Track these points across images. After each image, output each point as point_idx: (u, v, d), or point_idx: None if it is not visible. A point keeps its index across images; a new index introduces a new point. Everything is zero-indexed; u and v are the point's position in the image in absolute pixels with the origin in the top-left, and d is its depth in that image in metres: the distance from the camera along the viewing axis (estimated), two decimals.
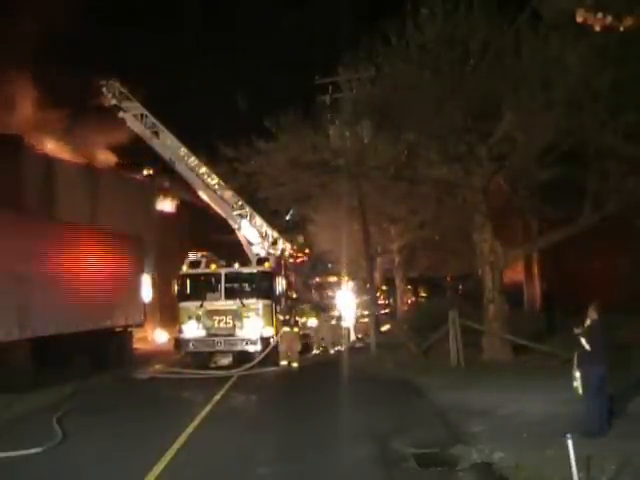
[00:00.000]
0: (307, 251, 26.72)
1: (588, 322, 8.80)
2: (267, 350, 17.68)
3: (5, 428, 10.59)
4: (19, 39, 23.96)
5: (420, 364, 16.53)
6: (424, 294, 48.52)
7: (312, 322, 21.82)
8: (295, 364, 17.75)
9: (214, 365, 18.43)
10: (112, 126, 25.76)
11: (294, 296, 22.01)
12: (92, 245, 17.79)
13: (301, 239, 28.18)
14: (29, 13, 24.63)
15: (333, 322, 22.98)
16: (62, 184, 24.54)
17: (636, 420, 8.95)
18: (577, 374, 8.62)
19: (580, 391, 8.66)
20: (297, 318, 20.04)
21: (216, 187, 23.23)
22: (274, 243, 23.13)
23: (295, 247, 24.60)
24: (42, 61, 25.07)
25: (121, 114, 23.82)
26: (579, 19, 8.09)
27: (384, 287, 34.05)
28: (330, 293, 28.08)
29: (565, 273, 25.84)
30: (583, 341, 8.63)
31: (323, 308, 24.05)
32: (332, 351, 21.22)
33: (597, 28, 8.11)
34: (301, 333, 19.51)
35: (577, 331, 8.74)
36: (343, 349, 21.55)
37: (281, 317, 19.11)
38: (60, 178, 24.69)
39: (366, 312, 25.08)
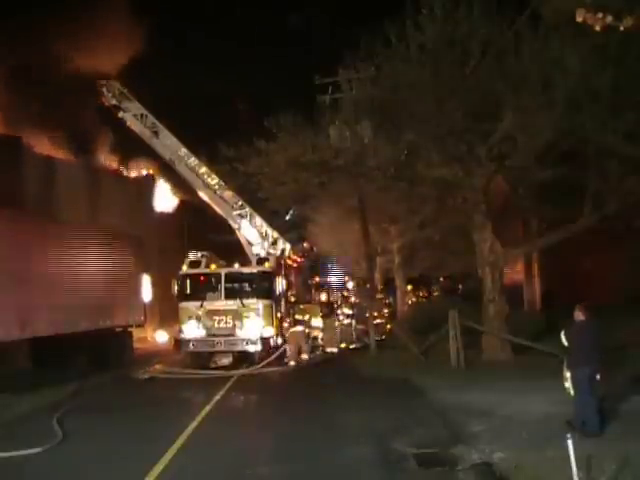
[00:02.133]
0: (307, 254, 26.70)
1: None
2: (278, 353, 17.99)
3: (5, 428, 10.59)
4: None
5: (420, 364, 16.55)
6: (421, 294, 48.34)
7: (315, 322, 21.85)
8: (305, 356, 18.23)
9: (214, 365, 18.42)
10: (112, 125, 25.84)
11: (293, 298, 22.00)
12: (92, 245, 17.79)
13: (307, 245, 28.15)
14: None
15: (335, 322, 22.99)
16: (62, 184, 24.55)
17: (635, 420, 8.95)
18: (568, 374, 8.70)
19: (572, 391, 8.77)
20: (304, 317, 20.21)
21: (216, 187, 23.23)
22: (274, 243, 23.11)
23: (295, 249, 24.56)
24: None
25: (121, 114, 23.84)
26: (579, 19, 8.09)
27: (380, 287, 33.97)
28: (330, 293, 28.08)
29: (565, 273, 25.82)
30: (563, 339, 8.79)
31: (329, 308, 24.12)
32: (334, 350, 21.21)
33: (597, 28, 8.10)
34: (308, 332, 19.77)
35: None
36: (343, 349, 21.57)
37: (287, 317, 19.44)
38: (60, 178, 24.70)
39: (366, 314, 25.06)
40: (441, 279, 44.66)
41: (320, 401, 12.66)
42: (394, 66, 15.19)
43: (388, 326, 25.90)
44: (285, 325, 19.70)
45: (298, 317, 19.92)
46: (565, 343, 8.78)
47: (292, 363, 17.90)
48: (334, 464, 7.96)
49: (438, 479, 7.41)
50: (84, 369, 15.94)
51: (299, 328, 18.88)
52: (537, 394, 11.00)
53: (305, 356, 18.32)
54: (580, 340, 8.58)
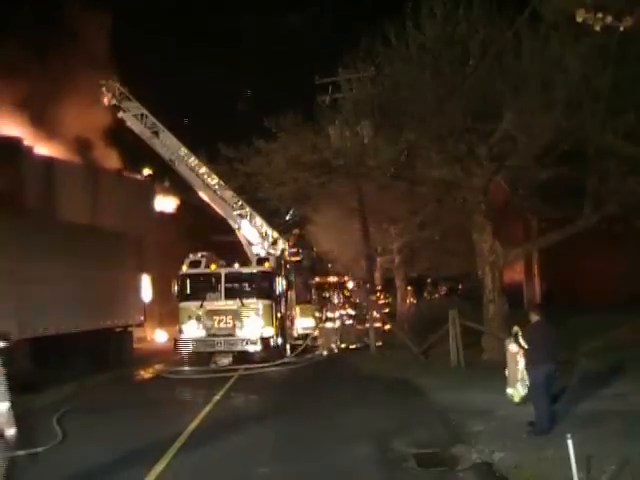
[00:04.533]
0: (302, 245, 26.72)
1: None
2: (277, 351, 18.55)
3: None
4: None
5: (420, 364, 16.56)
6: (426, 294, 48.22)
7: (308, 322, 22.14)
8: (335, 351, 20.75)
9: (214, 365, 18.42)
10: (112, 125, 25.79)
11: (293, 296, 22.04)
12: (92, 245, 17.78)
13: (296, 231, 27.98)
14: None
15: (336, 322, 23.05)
16: (62, 184, 24.55)
17: (633, 419, 8.95)
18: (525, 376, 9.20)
19: (515, 399, 9.51)
20: (330, 314, 21.32)
21: (216, 187, 23.18)
22: (274, 243, 23.08)
23: (291, 242, 24.51)
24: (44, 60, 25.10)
25: (121, 114, 23.77)
26: (579, 19, 8.07)
27: (379, 287, 33.92)
28: (330, 293, 28.07)
29: (565, 273, 25.85)
30: (521, 340, 9.07)
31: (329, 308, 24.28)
32: (335, 350, 21.23)
33: (597, 28, 8.08)
34: (336, 327, 21.89)
35: (515, 329, 9.26)
36: (343, 349, 21.57)
37: (317, 314, 22.02)
38: (60, 178, 24.70)
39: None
40: (428, 280, 44.62)
41: (320, 401, 12.66)
42: (394, 66, 15.19)
43: (387, 327, 25.82)
44: (285, 324, 19.97)
45: (330, 315, 21.89)
46: (524, 345, 9.04)
47: (325, 353, 20.37)
48: (334, 464, 7.96)
49: (438, 479, 7.42)
50: (84, 369, 15.93)
51: (329, 325, 21.20)
52: None
53: (335, 350, 20.57)
54: (538, 339, 8.84)
